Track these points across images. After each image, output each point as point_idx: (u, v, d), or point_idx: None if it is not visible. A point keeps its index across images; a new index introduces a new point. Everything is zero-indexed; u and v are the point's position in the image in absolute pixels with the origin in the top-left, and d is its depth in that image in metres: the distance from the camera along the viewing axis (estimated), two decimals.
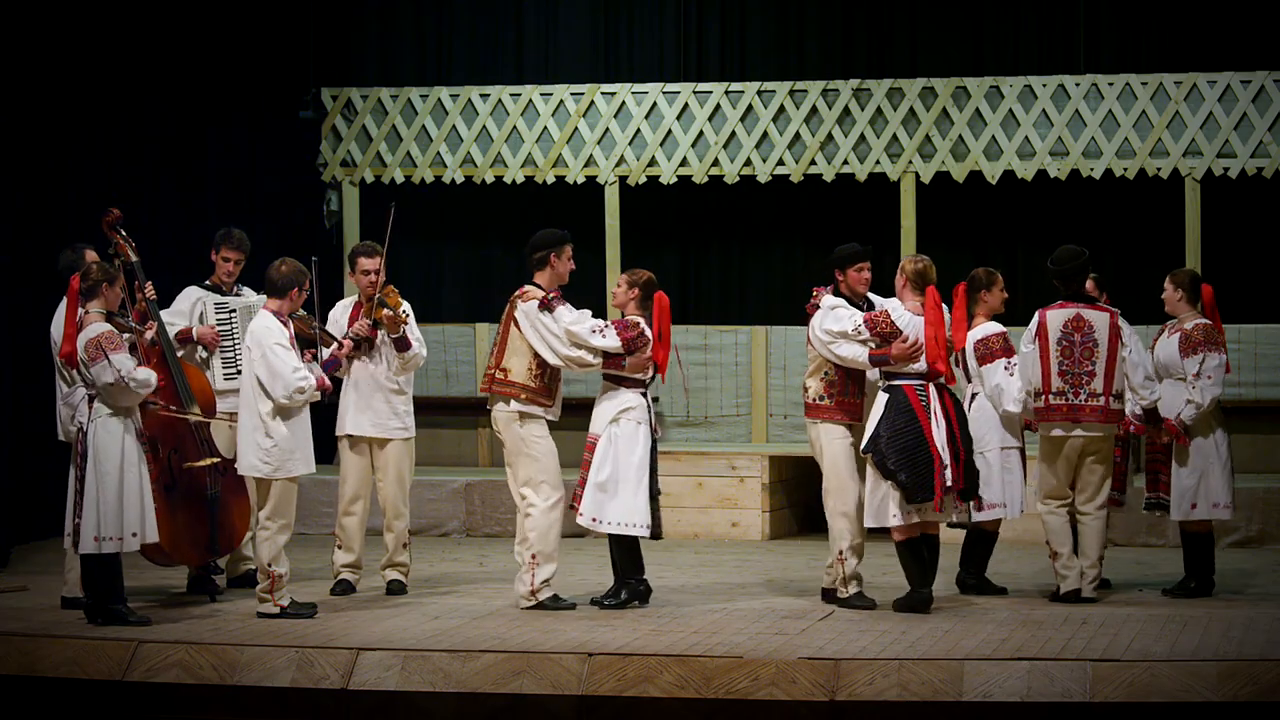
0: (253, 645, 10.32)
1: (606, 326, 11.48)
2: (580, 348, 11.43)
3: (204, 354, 12.26)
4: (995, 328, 12.00)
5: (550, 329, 11.42)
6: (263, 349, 11.08)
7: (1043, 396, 11.64)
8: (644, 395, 11.58)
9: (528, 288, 11.54)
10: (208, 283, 12.44)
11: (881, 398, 11.25)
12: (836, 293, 11.55)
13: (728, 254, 17.03)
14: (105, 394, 10.86)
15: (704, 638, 10.43)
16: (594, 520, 11.43)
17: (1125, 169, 15.70)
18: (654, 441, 11.56)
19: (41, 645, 10.50)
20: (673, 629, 10.72)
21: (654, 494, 11.53)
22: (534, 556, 11.39)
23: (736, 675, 9.75)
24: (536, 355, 11.43)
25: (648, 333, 11.52)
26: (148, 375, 10.94)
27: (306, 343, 11.57)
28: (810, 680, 9.67)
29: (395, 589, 12.09)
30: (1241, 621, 10.76)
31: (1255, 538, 14.22)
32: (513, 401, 11.46)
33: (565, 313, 11.46)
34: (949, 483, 11.10)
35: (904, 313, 11.28)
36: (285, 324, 11.20)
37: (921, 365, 11.20)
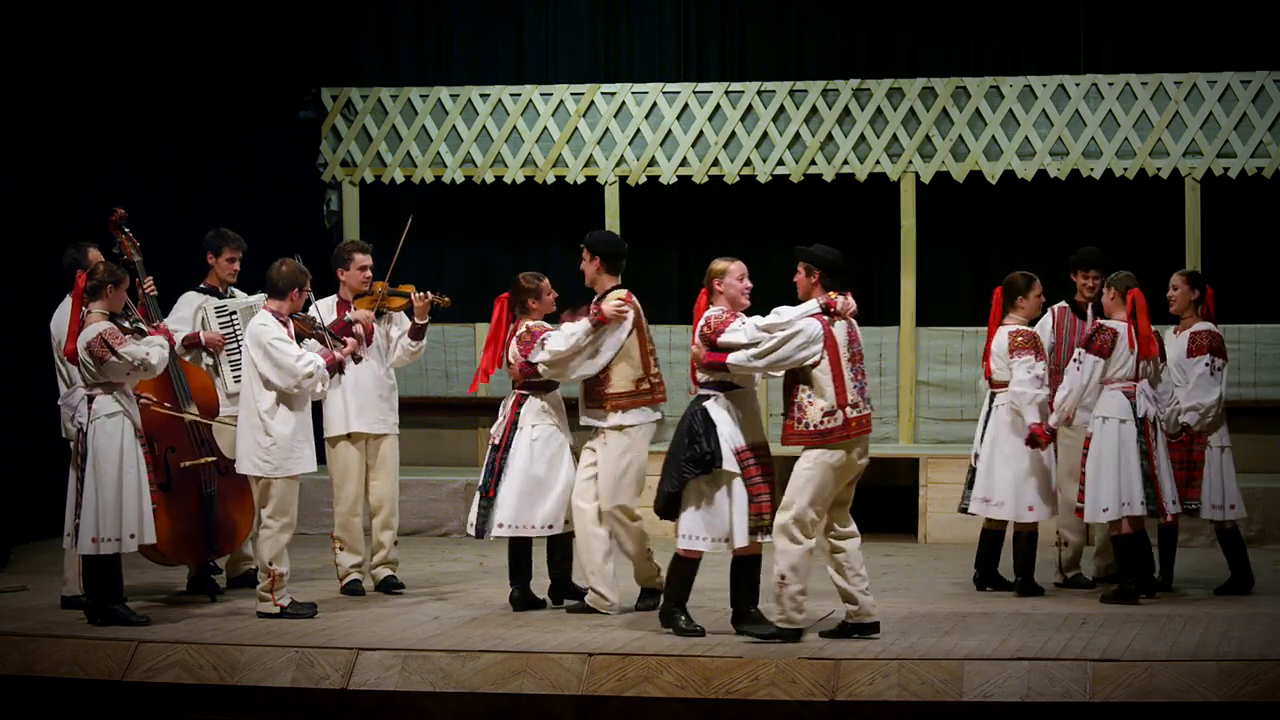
0: (253, 645, 10.32)
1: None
2: None
3: (210, 360, 12.21)
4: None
5: None
6: (262, 346, 11.07)
7: None
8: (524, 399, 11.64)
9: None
10: (203, 286, 12.42)
11: None
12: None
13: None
14: (120, 380, 10.85)
15: (704, 638, 10.42)
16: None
17: (1125, 169, 15.69)
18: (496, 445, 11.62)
19: (41, 645, 10.50)
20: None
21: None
22: None
23: (736, 675, 9.74)
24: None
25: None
26: (157, 348, 10.88)
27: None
28: (810, 680, 9.67)
29: (394, 585, 12.07)
30: (1241, 621, 10.77)
31: (1255, 538, 14.19)
32: None
33: None
34: None
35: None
36: (285, 324, 11.20)
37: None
